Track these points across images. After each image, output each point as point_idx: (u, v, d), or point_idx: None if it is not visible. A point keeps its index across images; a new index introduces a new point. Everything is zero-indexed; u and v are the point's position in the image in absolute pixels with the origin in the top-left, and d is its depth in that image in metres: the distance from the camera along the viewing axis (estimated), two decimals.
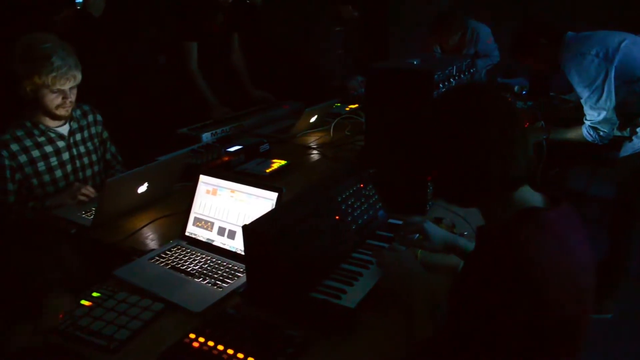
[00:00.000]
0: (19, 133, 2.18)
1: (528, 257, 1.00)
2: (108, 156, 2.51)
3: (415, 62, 2.06)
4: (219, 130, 3.04)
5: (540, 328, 1.00)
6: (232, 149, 2.57)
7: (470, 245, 1.54)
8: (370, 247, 1.61)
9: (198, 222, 1.75)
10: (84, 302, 1.46)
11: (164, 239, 1.86)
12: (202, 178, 1.78)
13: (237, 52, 3.84)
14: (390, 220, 1.79)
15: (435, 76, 1.80)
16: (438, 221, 1.82)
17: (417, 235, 1.64)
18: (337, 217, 1.57)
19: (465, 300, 1.07)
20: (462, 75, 2.04)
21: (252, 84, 3.88)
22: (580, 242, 1.11)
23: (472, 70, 2.18)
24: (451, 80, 1.95)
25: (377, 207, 1.77)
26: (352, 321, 1.32)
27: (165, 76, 4.04)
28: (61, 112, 2.19)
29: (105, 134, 2.49)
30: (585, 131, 2.79)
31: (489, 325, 1.01)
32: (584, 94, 2.68)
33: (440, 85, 1.84)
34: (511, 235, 1.04)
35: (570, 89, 2.98)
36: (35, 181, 2.21)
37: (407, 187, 1.89)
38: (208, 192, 1.75)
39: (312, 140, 3.00)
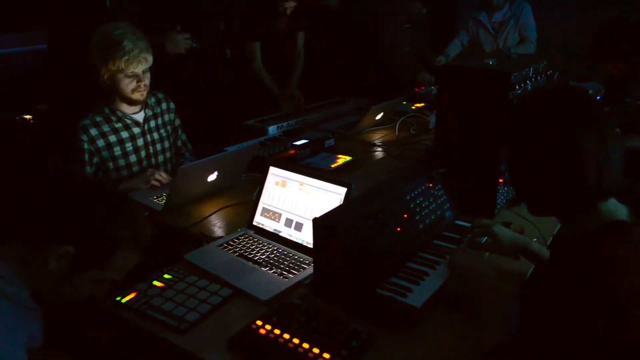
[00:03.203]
0: (98, 118, 2.29)
1: (612, 273, 0.96)
2: (179, 143, 2.59)
3: (490, 62, 2.02)
4: (285, 124, 3.08)
5: (617, 349, 0.95)
6: (298, 143, 2.59)
7: (543, 250, 1.50)
8: (437, 247, 1.60)
9: (266, 212, 1.79)
10: (156, 282, 1.52)
11: (231, 227, 1.90)
12: (272, 170, 1.81)
13: (299, 52, 3.85)
14: (458, 222, 1.76)
15: (512, 77, 1.76)
16: (506, 225, 1.77)
17: (485, 238, 1.61)
18: (405, 216, 1.56)
19: (540, 311, 1.04)
20: (539, 77, 1.98)
21: (297, 84, 3.85)
22: None
23: (549, 72, 2.11)
24: (527, 82, 1.89)
25: (445, 207, 1.75)
26: (417, 320, 1.32)
27: (232, 69, 4.12)
28: (137, 96, 2.28)
29: (178, 122, 2.57)
30: None
31: (563, 339, 0.98)
32: None
33: (517, 86, 1.80)
34: (595, 249, 1.00)
35: None
36: (111, 165, 2.31)
37: (476, 189, 1.86)
38: (277, 183, 1.78)
39: (377, 137, 2.99)
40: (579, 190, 1.05)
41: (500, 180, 1.86)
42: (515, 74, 1.79)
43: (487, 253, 1.60)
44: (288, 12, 3.49)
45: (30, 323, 1.19)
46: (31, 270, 1.18)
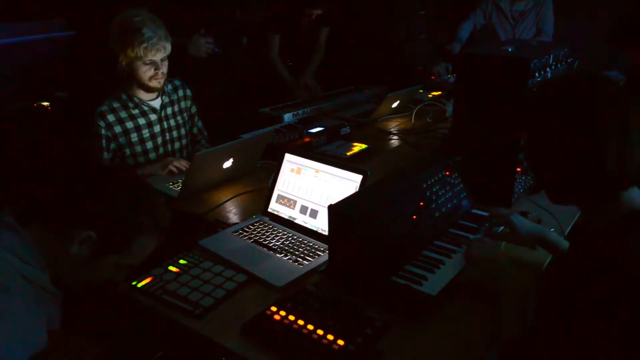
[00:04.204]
0: (115, 105, 2.30)
1: (635, 265, 0.94)
2: (195, 130, 2.60)
3: (510, 49, 1.99)
4: (300, 112, 3.07)
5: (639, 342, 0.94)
6: (313, 130, 2.58)
7: (561, 240, 1.48)
8: (453, 236, 1.58)
9: (281, 199, 1.78)
10: (171, 268, 1.53)
11: (245, 214, 1.91)
12: (287, 157, 1.80)
13: (320, 47, 3.82)
14: (474, 211, 1.75)
15: (532, 64, 1.73)
16: (524, 215, 1.75)
17: (502, 227, 1.60)
18: (421, 204, 1.55)
19: (558, 303, 1.02)
20: (559, 65, 1.95)
21: (312, 75, 3.80)
22: None
23: (569, 60, 2.08)
24: (547, 69, 1.86)
25: (462, 196, 1.73)
26: (432, 308, 1.31)
27: (249, 57, 4.12)
28: (154, 83, 2.28)
29: (194, 109, 2.58)
30: None
31: (582, 331, 0.96)
32: None
33: (536, 74, 1.77)
34: (617, 240, 0.99)
35: None
36: (127, 151, 2.33)
37: (494, 178, 1.84)
38: (292, 170, 1.77)
39: (393, 125, 2.97)
40: (600, 178, 1.03)
41: (518, 169, 1.84)
42: (535, 61, 1.76)
43: (504, 243, 1.58)
44: (314, 16, 3.49)
45: (50, 306, 1.20)
46: (52, 254, 1.19)
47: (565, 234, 1.71)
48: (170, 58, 2.30)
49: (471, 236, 1.58)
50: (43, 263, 1.18)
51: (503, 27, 4.32)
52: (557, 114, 1.07)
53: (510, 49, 1.96)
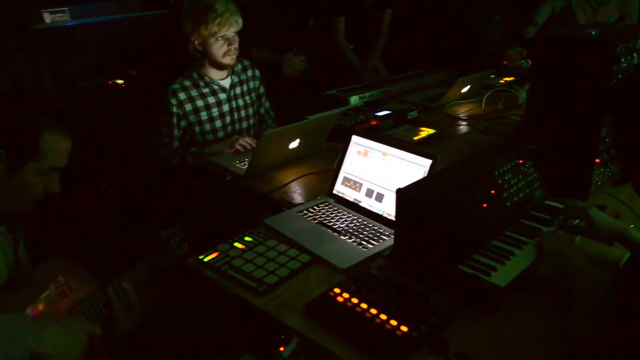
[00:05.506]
0: (187, 83, 2.35)
1: None
2: (262, 111, 2.62)
3: (593, 33, 1.87)
4: (367, 94, 3.04)
5: None
6: (380, 114, 2.55)
7: None
8: (524, 227, 1.52)
9: (347, 181, 1.77)
10: (237, 244, 1.55)
11: (310, 195, 1.91)
12: (355, 139, 1.78)
13: (383, 29, 3.76)
14: (548, 202, 1.67)
15: (617, 49, 1.62)
16: (601, 208, 1.66)
17: (577, 220, 1.52)
18: (492, 192, 1.49)
19: (637, 303, 0.96)
20: None
21: (379, 57, 3.73)
22: None
23: None
24: (634, 54, 1.74)
25: (535, 186, 1.66)
26: (500, 300, 1.27)
27: (315, 39, 4.11)
28: (227, 60, 2.32)
29: (262, 89, 2.60)
30: None
31: None
32: None
33: (622, 59, 1.66)
34: None
35: None
36: (197, 129, 2.38)
37: (570, 169, 1.75)
38: (359, 152, 1.75)
39: (462, 111, 2.89)
40: None
41: (597, 160, 1.74)
42: (622, 45, 1.65)
43: (578, 237, 1.51)
44: None
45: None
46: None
47: None
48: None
49: (544, 228, 1.51)
50: None
51: (584, 10, 4.09)
52: None
53: (593, 32, 1.85)
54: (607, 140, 1.73)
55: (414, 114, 2.64)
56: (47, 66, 3.08)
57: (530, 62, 3.64)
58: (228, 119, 2.44)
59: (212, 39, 2.24)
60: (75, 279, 1.41)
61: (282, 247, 1.53)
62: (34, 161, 1.34)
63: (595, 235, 1.44)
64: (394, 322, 1.18)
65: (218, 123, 2.41)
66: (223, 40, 2.26)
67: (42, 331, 1.07)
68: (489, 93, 2.95)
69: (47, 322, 1.13)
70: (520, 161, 1.64)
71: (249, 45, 2.73)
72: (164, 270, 1.58)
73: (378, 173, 1.69)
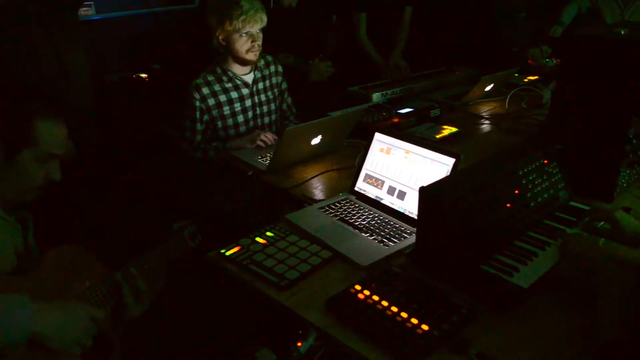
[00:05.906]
0: (210, 78, 2.37)
1: None
2: (284, 106, 2.63)
3: (622, 32, 1.84)
4: (389, 92, 3.03)
5: None
6: (403, 111, 2.54)
7: None
8: (548, 227, 1.51)
9: (369, 178, 1.77)
10: (258, 239, 1.56)
11: (331, 191, 1.91)
12: (377, 136, 1.78)
13: (404, 26, 3.74)
14: (572, 203, 1.65)
15: None
16: (626, 211, 1.64)
17: (602, 223, 1.50)
18: (516, 192, 1.48)
19: None
20: None
21: (400, 55, 3.70)
22: None
23: None
24: None
25: (560, 186, 1.64)
26: (522, 301, 1.26)
27: (338, 36, 4.10)
28: (250, 56, 2.33)
29: (285, 85, 2.60)
30: None
31: None
32: None
33: None
34: None
35: None
36: (219, 124, 2.40)
37: (595, 170, 1.72)
38: (382, 150, 1.75)
39: (485, 110, 2.86)
40: None
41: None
42: None
43: (602, 239, 1.49)
44: None
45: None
46: None
47: None
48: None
49: (568, 230, 1.50)
50: None
51: (611, 9, 4.01)
52: None
53: (622, 32, 1.81)
54: (633, 141, 1.70)
55: (436, 112, 2.62)
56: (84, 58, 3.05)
57: (554, 61, 3.59)
58: (250, 114, 2.45)
59: (237, 35, 2.26)
60: (84, 266, 1.41)
61: (304, 243, 1.53)
62: (30, 148, 1.32)
63: (620, 238, 1.42)
64: (414, 321, 1.17)
65: (240, 118, 2.42)
66: (247, 36, 2.27)
67: (39, 312, 1.09)
68: (512, 92, 2.92)
69: (46, 304, 1.14)
70: (545, 161, 1.62)
71: (276, 53, 2.74)
72: (176, 260, 1.59)
73: (400, 171, 1.68)
